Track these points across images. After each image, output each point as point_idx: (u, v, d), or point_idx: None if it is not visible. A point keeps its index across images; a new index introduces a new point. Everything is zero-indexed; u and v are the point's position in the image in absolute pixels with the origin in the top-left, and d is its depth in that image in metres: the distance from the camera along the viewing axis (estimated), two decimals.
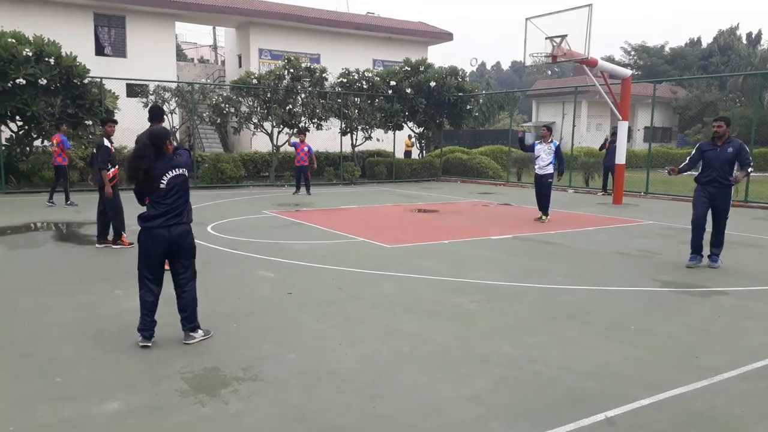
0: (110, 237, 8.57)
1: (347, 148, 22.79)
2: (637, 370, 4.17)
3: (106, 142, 8.44)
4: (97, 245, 8.55)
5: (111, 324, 5.02)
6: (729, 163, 7.56)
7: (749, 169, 7.69)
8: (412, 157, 26.89)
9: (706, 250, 7.75)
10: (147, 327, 4.51)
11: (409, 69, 23.34)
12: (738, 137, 7.97)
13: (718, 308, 5.78)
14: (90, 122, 17.02)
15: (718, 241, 7.70)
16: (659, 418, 3.46)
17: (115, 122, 8.76)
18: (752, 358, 4.38)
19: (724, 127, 7.62)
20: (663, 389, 3.81)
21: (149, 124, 7.03)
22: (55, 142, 13.39)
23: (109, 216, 8.49)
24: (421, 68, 23.31)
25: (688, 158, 8.02)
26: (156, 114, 6.78)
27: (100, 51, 26.04)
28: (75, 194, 15.53)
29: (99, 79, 17.24)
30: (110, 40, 26.53)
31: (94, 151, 8.66)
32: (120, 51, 26.56)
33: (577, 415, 3.44)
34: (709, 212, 7.70)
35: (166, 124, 7.05)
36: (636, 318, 5.40)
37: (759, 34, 55.36)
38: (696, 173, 7.96)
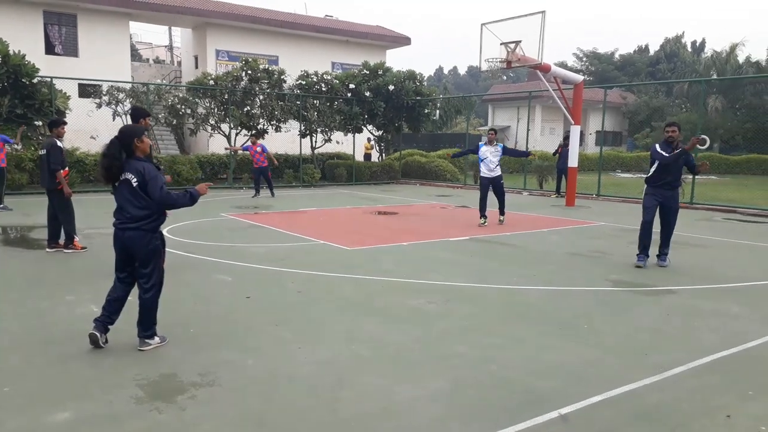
0: (62, 241, 8.33)
1: (307, 151, 22.69)
2: (590, 368, 4.29)
3: (59, 143, 8.22)
4: (47, 249, 8.29)
5: (62, 331, 4.88)
6: (681, 168, 7.88)
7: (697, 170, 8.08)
8: (372, 160, 26.95)
9: (653, 250, 8.01)
10: (99, 319, 4.48)
11: (367, 72, 23.41)
12: (684, 141, 8.23)
13: (667, 307, 5.99)
14: (40, 123, 16.47)
15: (667, 241, 7.98)
16: (610, 414, 3.57)
17: (65, 123, 8.55)
18: (699, 355, 4.56)
19: (677, 131, 7.84)
20: (614, 386, 3.93)
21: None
22: None
23: (61, 219, 8.25)
24: (380, 72, 23.40)
25: (661, 155, 7.77)
26: (133, 116, 6.59)
27: (50, 50, 25.23)
28: (24, 197, 15.03)
29: (49, 79, 16.71)
30: (61, 39, 25.73)
31: (42, 153, 8.38)
32: (71, 50, 25.79)
33: (532, 413, 3.52)
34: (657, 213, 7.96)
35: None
36: (588, 317, 5.55)
37: (703, 43, 57.62)
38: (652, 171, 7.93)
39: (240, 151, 18.73)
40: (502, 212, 11.85)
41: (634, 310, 5.84)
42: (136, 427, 3.31)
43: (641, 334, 5.10)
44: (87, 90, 20.72)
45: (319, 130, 22.32)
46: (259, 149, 16.66)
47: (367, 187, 22.05)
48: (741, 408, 3.69)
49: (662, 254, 8.00)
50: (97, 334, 4.41)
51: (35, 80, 16.21)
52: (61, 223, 8.29)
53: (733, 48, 41.56)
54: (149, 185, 4.37)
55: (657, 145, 7.93)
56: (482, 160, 11.55)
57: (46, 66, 20.07)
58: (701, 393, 3.90)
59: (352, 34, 32.73)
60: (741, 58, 41.62)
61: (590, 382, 4.01)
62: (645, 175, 8.24)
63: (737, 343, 4.84)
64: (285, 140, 23.03)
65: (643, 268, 7.79)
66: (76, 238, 8.36)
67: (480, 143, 11.70)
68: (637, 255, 7.96)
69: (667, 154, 7.67)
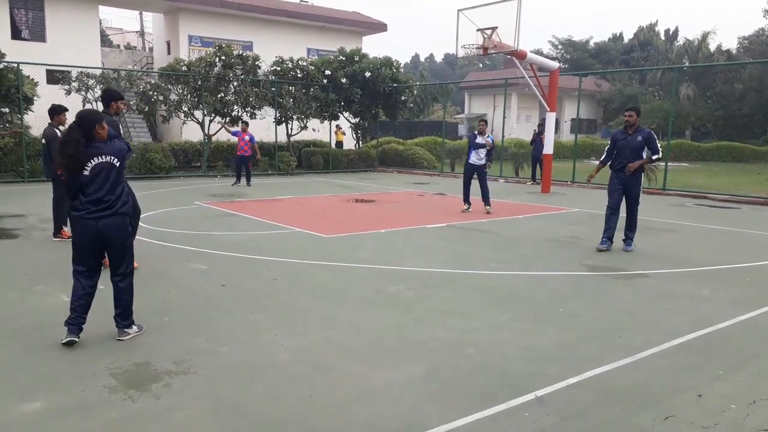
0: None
1: (282, 138, 22.48)
2: (565, 351, 4.34)
3: (59, 132, 7.93)
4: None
5: (31, 321, 4.77)
6: (638, 151, 7.94)
7: (654, 157, 8.07)
8: (344, 147, 26.78)
9: (618, 235, 8.13)
10: (72, 322, 4.27)
11: (343, 59, 23.21)
12: (657, 128, 8.40)
13: (640, 290, 6.08)
14: (6, 110, 16.04)
15: (632, 226, 8.09)
16: (585, 395, 3.61)
17: (66, 110, 8.20)
18: (670, 336, 4.64)
19: (635, 116, 8.02)
20: (589, 368, 3.98)
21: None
22: None
23: (55, 208, 8.10)
24: (356, 58, 23.23)
25: (605, 150, 8.37)
26: (104, 99, 6.35)
27: (16, 35, 24.52)
28: None
29: (15, 64, 16.25)
30: (28, 23, 25.03)
31: (44, 142, 8.09)
32: (38, 35, 25.11)
33: (509, 395, 3.55)
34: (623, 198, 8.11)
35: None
36: (564, 301, 5.61)
37: (676, 31, 58.22)
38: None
39: (231, 136, 18.14)
40: (487, 202, 11.71)
41: (609, 294, 5.92)
42: (109, 416, 3.26)
43: (615, 316, 5.17)
44: (56, 76, 20.24)
45: (294, 117, 22.12)
46: (247, 138, 16.54)
47: (344, 174, 21.97)
48: (712, 387, 3.76)
49: (627, 239, 8.11)
50: (75, 339, 4.24)
51: (1, 66, 15.76)
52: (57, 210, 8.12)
53: (704, 36, 42.15)
54: (127, 159, 4.46)
55: (615, 131, 8.31)
56: (473, 150, 11.64)
57: (13, 51, 19.46)
58: (673, 373, 3.97)
59: (328, 19, 32.43)
60: (712, 47, 42.25)
61: (566, 364, 4.06)
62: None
63: (707, 325, 4.94)
64: (260, 127, 22.75)
65: (606, 251, 7.89)
66: (65, 229, 8.13)
67: (475, 135, 11.74)
68: (602, 238, 8.09)
69: (619, 138, 8.06)
